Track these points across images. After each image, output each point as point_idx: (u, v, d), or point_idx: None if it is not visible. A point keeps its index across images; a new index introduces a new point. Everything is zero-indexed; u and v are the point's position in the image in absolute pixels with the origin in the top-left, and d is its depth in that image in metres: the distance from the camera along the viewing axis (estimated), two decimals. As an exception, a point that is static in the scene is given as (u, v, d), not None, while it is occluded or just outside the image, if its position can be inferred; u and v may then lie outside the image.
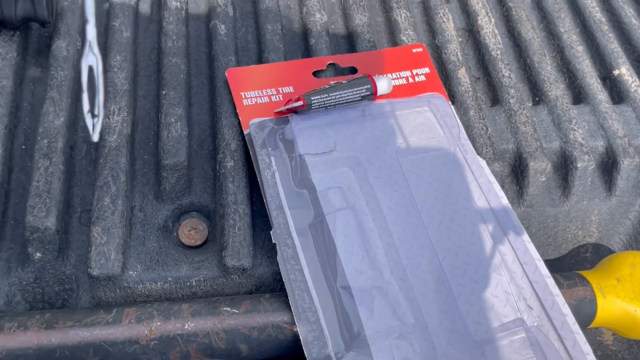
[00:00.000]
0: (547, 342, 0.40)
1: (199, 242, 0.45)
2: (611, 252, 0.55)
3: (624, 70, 0.58)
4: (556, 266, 0.56)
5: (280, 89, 0.50)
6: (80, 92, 0.49)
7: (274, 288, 0.45)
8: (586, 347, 0.39)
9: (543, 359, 0.39)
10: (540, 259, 0.43)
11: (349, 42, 0.58)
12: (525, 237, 0.44)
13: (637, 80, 0.58)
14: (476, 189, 0.47)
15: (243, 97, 0.49)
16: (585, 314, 0.45)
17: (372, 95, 0.50)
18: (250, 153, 0.46)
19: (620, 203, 0.54)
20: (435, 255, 0.43)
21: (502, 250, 0.44)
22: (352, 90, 0.49)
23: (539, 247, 0.55)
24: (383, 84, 0.50)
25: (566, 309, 0.41)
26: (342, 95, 0.48)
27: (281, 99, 0.50)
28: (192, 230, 0.46)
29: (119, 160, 0.45)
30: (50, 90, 0.47)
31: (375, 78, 0.50)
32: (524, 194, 0.52)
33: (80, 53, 0.51)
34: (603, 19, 0.62)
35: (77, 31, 0.51)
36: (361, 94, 0.49)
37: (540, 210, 0.53)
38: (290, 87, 0.51)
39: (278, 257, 0.41)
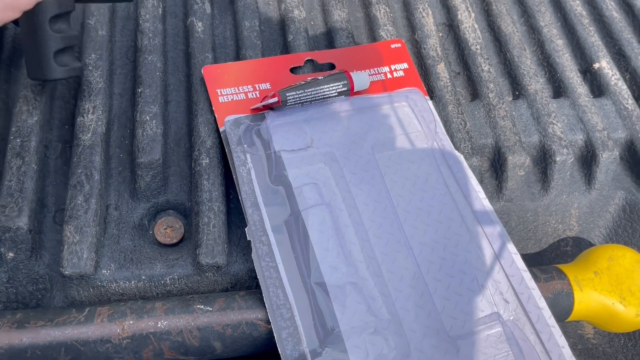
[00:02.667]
0: (522, 336, 0.39)
1: (175, 240, 0.45)
2: (591, 245, 0.55)
3: (604, 64, 0.58)
4: (537, 260, 0.56)
5: (256, 85, 0.50)
6: (54, 91, 0.49)
7: (250, 285, 0.44)
8: (562, 340, 0.39)
9: (519, 353, 0.39)
10: (517, 252, 0.43)
11: (328, 38, 0.58)
12: (502, 231, 0.44)
13: (617, 73, 0.57)
14: (453, 184, 0.47)
15: (219, 94, 0.49)
16: (562, 308, 0.45)
17: (349, 91, 0.49)
18: (226, 150, 0.46)
19: (600, 196, 0.54)
20: (411, 251, 0.43)
21: (478, 244, 0.44)
22: (328, 86, 0.49)
23: (519, 242, 0.55)
24: (360, 80, 0.50)
25: (542, 303, 0.41)
26: (319, 92, 0.48)
27: (258, 95, 0.49)
28: (168, 229, 0.46)
29: (93, 158, 0.45)
30: (24, 89, 0.47)
31: (353, 74, 0.50)
32: (503, 189, 0.52)
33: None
34: (584, 13, 0.62)
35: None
36: (338, 90, 0.49)
37: (520, 205, 0.53)
38: (267, 84, 0.50)
39: (253, 254, 0.41)
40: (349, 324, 0.38)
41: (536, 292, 0.41)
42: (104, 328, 0.38)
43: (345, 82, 0.49)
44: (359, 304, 0.40)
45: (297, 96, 0.47)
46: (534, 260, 0.56)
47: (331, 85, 0.49)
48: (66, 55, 0.44)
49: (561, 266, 0.47)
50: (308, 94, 0.48)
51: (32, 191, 0.43)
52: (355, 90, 0.50)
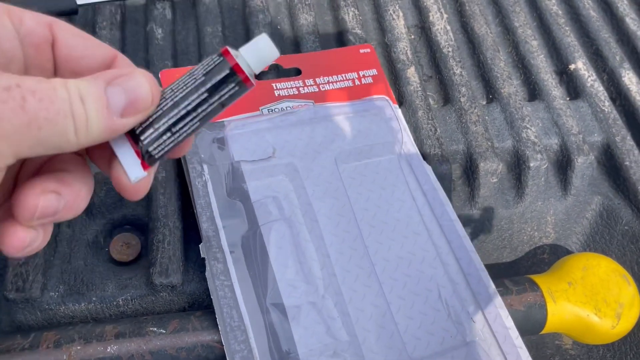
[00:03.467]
0: (488, 358, 0.38)
1: (131, 258, 0.43)
2: (569, 252, 0.53)
3: (580, 65, 0.56)
4: (513, 269, 0.54)
5: (218, 93, 0.48)
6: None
7: (208, 304, 0.42)
8: (529, 361, 0.38)
9: (484, 374, 0.37)
10: (484, 269, 0.41)
11: (295, 43, 0.56)
12: (470, 246, 0.42)
13: (593, 74, 0.56)
14: (420, 197, 0.45)
15: (177, 103, 0.47)
16: (535, 321, 0.43)
17: (244, 83, 0.28)
18: (182, 161, 0.44)
19: (577, 202, 0.52)
20: (373, 267, 0.41)
21: (445, 260, 0.42)
22: (200, 94, 0.27)
23: (494, 250, 0.53)
24: (257, 53, 0.28)
25: (509, 322, 0.39)
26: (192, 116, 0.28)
27: (219, 104, 0.47)
28: (124, 245, 0.44)
29: (42, 174, 0.43)
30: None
31: (242, 49, 0.28)
32: (475, 196, 0.50)
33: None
34: (560, 12, 0.61)
35: None
36: (224, 94, 0.28)
37: (494, 213, 0.51)
38: (229, 91, 0.48)
39: (207, 273, 0.39)
40: (307, 347, 0.37)
41: (503, 311, 0.39)
42: (50, 355, 0.36)
43: (228, 72, 0.27)
44: (318, 324, 0.38)
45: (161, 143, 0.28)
46: (509, 270, 0.54)
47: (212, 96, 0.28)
48: None
49: (534, 277, 0.45)
50: (179, 131, 0.28)
51: (-23, 210, 0.41)
52: (257, 72, 0.28)
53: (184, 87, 0.27)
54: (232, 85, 0.27)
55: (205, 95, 0.27)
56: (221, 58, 0.27)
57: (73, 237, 0.43)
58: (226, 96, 0.27)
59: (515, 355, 0.38)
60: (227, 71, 0.27)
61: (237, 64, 0.27)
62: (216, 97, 0.27)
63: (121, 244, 0.44)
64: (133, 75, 0.27)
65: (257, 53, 0.28)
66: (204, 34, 0.53)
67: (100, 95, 0.25)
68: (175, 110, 0.27)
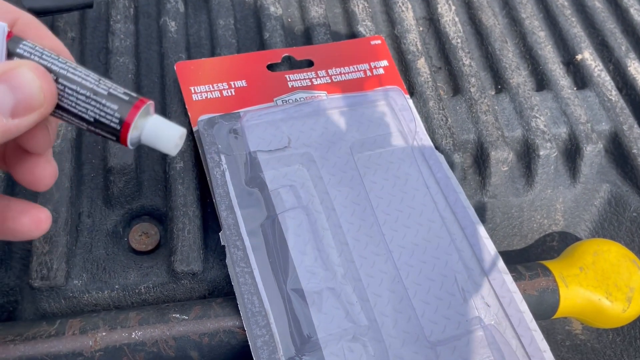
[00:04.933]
0: (504, 341, 0.39)
1: (150, 247, 0.44)
2: (578, 239, 0.54)
3: (587, 55, 0.57)
4: (523, 256, 0.55)
5: (232, 83, 0.49)
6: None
7: (228, 292, 0.43)
8: (543, 345, 0.38)
9: (500, 358, 0.38)
10: (498, 255, 0.42)
11: (305, 35, 0.56)
12: (483, 232, 0.43)
13: (600, 64, 0.57)
14: (433, 185, 0.46)
15: (192, 91, 0.47)
16: (548, 305, 0.44)
17: (120, 142, 0.28)
18: (199, 151, 0.45)
19: (585, 190, 0.53)
20: (390, 254, 0.42)
21: (459, 247, 0.43)
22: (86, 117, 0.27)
23: (504, 238, 0.54)
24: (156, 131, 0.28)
25: (524, 306, 0.40)
26: None
27: (233, 93, 0.48)
28: (143, 235, 0.45)
29: (63, 165, 0.43)
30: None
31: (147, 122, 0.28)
32: (486, 185, 0.51)
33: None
34: (566, 3, 0.61)
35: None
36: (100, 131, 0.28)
37: (504, 201, 0.52)
38: (243, 81, 0.49)
39: (227, 260, 0.40)
40: (327, 331, 0.38)
41: (517, 296, 0.40)
42: (76, 341, 0.37)
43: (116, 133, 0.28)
44: (337, 309, 0.39)
45: None
46: (519, 257, 0.55)
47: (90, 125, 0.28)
48: None
49: (546, 262, 0.46)
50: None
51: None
52: (142, 142, 0.29)
53: (78, 103, 0.27)
54: (111, 135, 0.28)
55: (87, 125, 0.28)
56: (118, 121, 0.27)
57: (93, 227, 0.44)
58: (100, 133, 0.28)
59: (529, 338, 0.38)
60: (116, 129, 0.27)
61: (125, 137, 0.27)
62: (92, 128, 0.28)
63: (140, 234, 0.45)
64: (19, 72, 0.25)
65: (155, 137, 0.28)
66: (217, 27, 0.54)
67: None
68: (59, 111, 0.27)
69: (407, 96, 0.51)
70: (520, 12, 0.60)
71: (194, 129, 0.46)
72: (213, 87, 0.48)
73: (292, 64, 0.53)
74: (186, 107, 0.47)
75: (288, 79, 0.50)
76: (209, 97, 0.48)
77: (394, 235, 0.43)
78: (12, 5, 0.29)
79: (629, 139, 0.52)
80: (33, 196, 0.44)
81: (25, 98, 0.25)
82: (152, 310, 0.39)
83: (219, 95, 0.48)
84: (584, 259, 0.46)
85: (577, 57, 0.57)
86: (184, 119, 0.47)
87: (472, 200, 0.51)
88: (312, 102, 0.48)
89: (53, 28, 0.50)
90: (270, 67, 0.52)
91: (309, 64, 0.53)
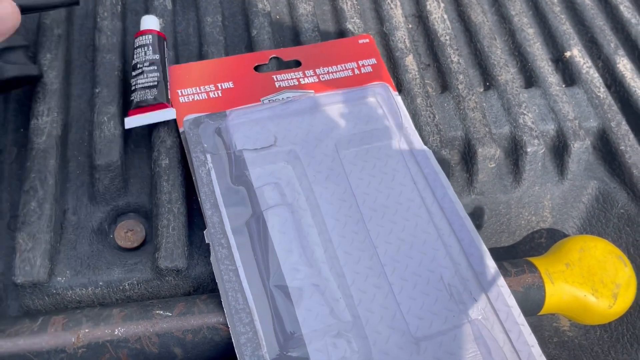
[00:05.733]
0: (490, 336, 0.39)
1: (136, 244, 0.44)
2: (565, 236, 0.54)
3: (575, 52, 0.57)
4: (511, 253, 0.55)
5: (219, 84, 0.49)
6: (8, 94, 0.47)
7: (213, 288, 0.43)
8: (531, 339, 0.38)
9: (487, 353, 0.38)
10: (486, 249, 0.42)
11: (294, 32, 0.56)
12: (471, 227, 0.43)
13: (588, 61, 0.57)
14: (421, 180, 0.45)
15: (179, 94, 0.47)
16: (533, 301, 0.44)
17: None
18: (185, 151, 0.45)
19: (573, 187, 0.53)
20: (375, 250, 0.42)
21: (446, 242, 0.43)
22: None
23: (492, 235, 0.54)
24: None
25: (511, 301, 0.40)
26: None
27: (220, 95, 0.48)
28: (128, 232, 0.44)
29: (47, 162, 0.43)
30: (-24, 92, 0.45)
31: None
32: (474, 182, 0.51)
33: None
34: (555, 0, 0.61)
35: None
36: None
37: (492, 197, 0.52)
38: (230, 83, 0.49)
39: (212, 258, 0.40)
40: (311, 327, 0.37)
41: (505, 290, 0.40)
42: (58, 337, 0.37)
43: None
44: (322, 306, 0.38)
45: None
46: (507, 254, 0.55)
47: None
48: (14, 54, 0.42)
49: (532, 259, 0.46)
50: None
51: (-16, 198, 0.41)
52: None
53: None
54: None
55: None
56: None
57: (78, 224, 0.44)
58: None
59: (517, 333, 0.38)
60: None
61: None
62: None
63: (125, 231, 0.44)
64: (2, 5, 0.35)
65: None
66: (204, 24, 0.54)
67: None
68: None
69: (395, 93, 0.51)
70: (509, 9, 0.60)
71: (180, 130, 0.45)
72: (200, 90, 0.48)
73: (280, 64, 0.53)
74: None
75: (275, 79, 0.50)
76: (195, 98, 0.47)
77: (379, 231, 0.43)
78: None
79: (617, 136, 0.52)
80: (18, 189, 0.44)
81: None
82: (136, 307, 0.39)
83: (206, 97, 0.48)
84: (570, 256, 0.46)
85: (566, 54, 0.57)
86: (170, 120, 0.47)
87: (459, 198, 0.51)
88: (298, 100, 0.48)
89: (40, 25, 0.50)
90: (258, 68, 0.52)
91: (297, 64, 0.52)
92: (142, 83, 0.46)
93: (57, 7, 0.47)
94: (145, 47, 0.47)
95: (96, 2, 0.53)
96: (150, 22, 0.48)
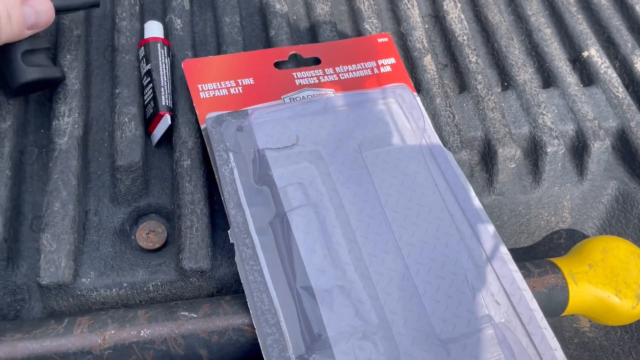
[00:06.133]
0: (514, 339, 0.38)
1: (158, 245, 0.44)
2: (585, 237, 0.54)
3: (593, 52, 0.57)
4: (530, 254, 0.55)
5: (240, 80, 0.49)
6: (29, 94, 0.47)
7: (237, 289, 0.43)
8: (554, 343, 0.38)
9: (511, 356, 0.38)
10: (508, 252, 0.42)
11: (311, 32, 0.56)
12: (493, 230, 0.43)
13: (606, 61, 0.56)
14: (442, 182, 0.45)
15: (200, 89, 0.47)
16: (557, 302, 0.44)
17: None
18: (207, 149, 0.44)
19: (593, 187, 0.53)
20: (399, 252, 0.41)
21: (469, 245, 0.43)
22: None
23: (511, 235, 0.54)
24: None
25: (534, 304, 0.40)
26: None
27: (241, 91, 0.48)
28: (150, 233, 0.44)
29: (70, 163, 0.43)
30: (-3, 93, 0.45)
31: None
32: (494, 182, 0.51)
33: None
34: (571, 0, 0.61)
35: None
36: None
37: (511, 198, 0.52)
38: (251, 79, 0.49)
39: (236, 258, 0.40)
40: (337, 329, 0.37)
41: (527, 294, 0.40)
42: (84, 339, 0.37)
43: None
44: (347, 308, 0.38)
45: None
46: (527, 254, 0.55)
47: None
48: (37, 57, 0.42)
49: (555, 260, 0.46)
50: None
51: (7, 199, 0.41)
52: None
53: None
54: None
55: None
56: None
57: (100, 225, 0.44)
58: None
59: (540, 336, 0.38)
60: None
61: None
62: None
63: (147, 232, 0.44)
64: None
65: None
66: (222, 25, 0.53)
67: (20, 14, 0.40)
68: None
69: (415, 94, 0.50)
70: (526, 9, 0.60)
71: (202, 126, 0.45)
72: (220, 85, 0.48)
73: (299, 62, 0.53)
74: (194, 104, 0.46)
75: (295, 77, 0.50)
76: (216, 94, 0.47)
77: (403, 233, 0.42)
78: None
79: (636, 136, 0.52)
80: (40, 190, 0.44)
81: (41, 22, 0.43)
82: (161, 308, 0.39)
83: (227, 93, 0.48)
84: (593, 256, 0.46)
85: (583, 54, 0.57)
86: (191, 117, 0.47)
87: (479, 198, 0.51)
88: (319, 99, 0.48)
89: (59, 26, 0.50)
90: (277, 65, 0.51)
91: (316, 61, 0.52)
92: (145, 99, 0.48)
93: (78, 9, 0.47)
94: (142, 61, 0.49)
95: (114, 3, 0.53)
96: (147, 31, 0.50)
